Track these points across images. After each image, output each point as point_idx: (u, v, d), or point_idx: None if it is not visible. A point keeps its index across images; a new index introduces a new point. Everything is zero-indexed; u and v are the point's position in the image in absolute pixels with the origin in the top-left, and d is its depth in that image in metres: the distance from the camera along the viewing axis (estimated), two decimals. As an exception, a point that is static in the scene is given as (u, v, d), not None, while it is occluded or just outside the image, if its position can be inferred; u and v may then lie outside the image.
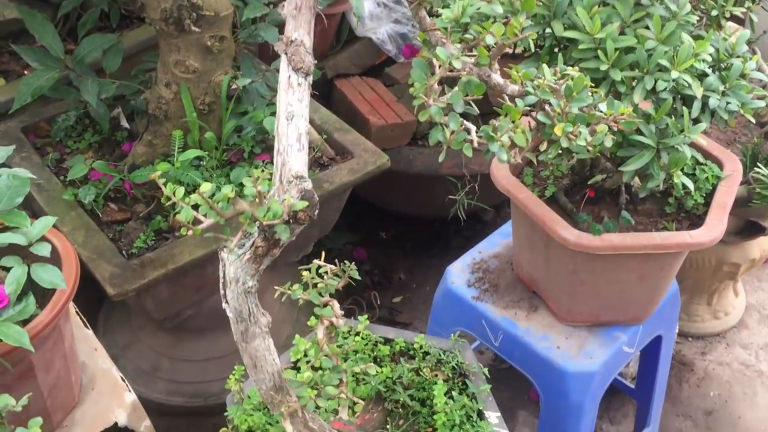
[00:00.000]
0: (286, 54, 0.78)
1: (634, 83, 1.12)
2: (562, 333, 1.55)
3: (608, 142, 0.90)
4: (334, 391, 0.86)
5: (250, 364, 0.86)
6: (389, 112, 2.29)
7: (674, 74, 1.06)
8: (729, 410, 2.21)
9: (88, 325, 1.55)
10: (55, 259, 1.27)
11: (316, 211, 0.75)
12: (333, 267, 1.06)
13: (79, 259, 1.32)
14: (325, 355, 0.89)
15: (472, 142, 0.82)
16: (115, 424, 1.39)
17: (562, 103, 0.88)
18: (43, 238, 1.20)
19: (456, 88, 0.84)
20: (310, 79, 0.80)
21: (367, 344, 1.24)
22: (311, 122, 2.10)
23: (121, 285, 1.61)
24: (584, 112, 0.89)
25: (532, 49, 1.14)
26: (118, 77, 1.92)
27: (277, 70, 2.03)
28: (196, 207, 0.70)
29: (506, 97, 0.92)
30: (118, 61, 1.82)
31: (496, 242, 1.76)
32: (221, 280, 0.81)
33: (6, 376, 1.18)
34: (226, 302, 0.82)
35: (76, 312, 1.56)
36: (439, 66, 0.83)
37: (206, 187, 0.70)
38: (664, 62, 1.07)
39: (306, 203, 0.72)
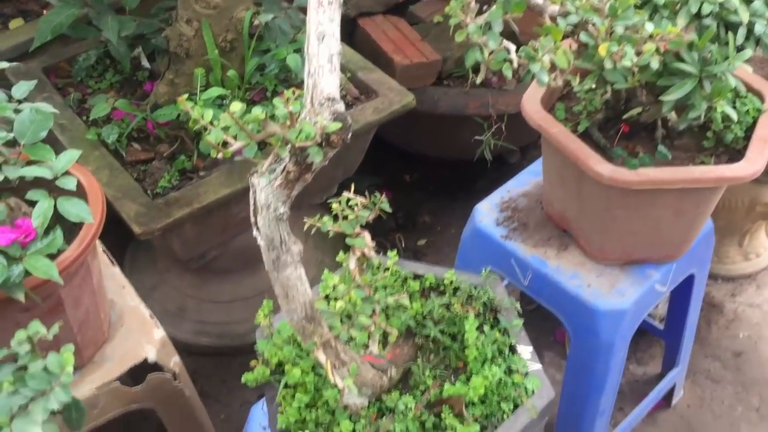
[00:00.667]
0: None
1: (677, 8, 1.07)
2: (593, 271, 1.52)
3: (655, 63, 0.85)
4: (367, 321, 0.85)
5: (281, 293, 0.85)
6: (414, 51, 2.24)
7: (721, -3, 1.01)
8: (759, 352, 2.18)
9: (115, 262, 1.54)
10: (80, 194, 1.25)
11: (350, 134, 0.72)
12: (363, 199, 1.04)
13: (104, 196, 1.31)
14: (358, 286, 0.87)
15: (511, 62, 0.78)
16: (145, 359, 1.40)
17: (606, 22, 0.84)
18: (69, 173, 1.19)
19: (494, 6, 0.80)
20: (341, -2, 0.76)
21: (396, 280, 1.23)
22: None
23: (147, 224, 1.61)
24: (629, 32, 0.84)
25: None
26: (139, 15, 1.88)
27: (300, 8, 1.97)
28: (226, 130, 0.67)
29: (547, 19, 0.87)
30: (137, -2, 1.78)
31: (525, 181, 1.72)
32: (251, 207, 0.78)
33: (35, 310, 1.18)
34: (257, 230, 0.80)
35: (103, 250, 1.56)
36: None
37: (236, 107, 0.67)
38: (710, -16, 1.02)
39: (339, 125, 0.69)
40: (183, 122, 1.79)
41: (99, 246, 1.56)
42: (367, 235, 0.94)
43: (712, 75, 1.09)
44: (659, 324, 2.05)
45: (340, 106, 0.71)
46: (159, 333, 1.44)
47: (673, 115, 1.41)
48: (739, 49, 1.17)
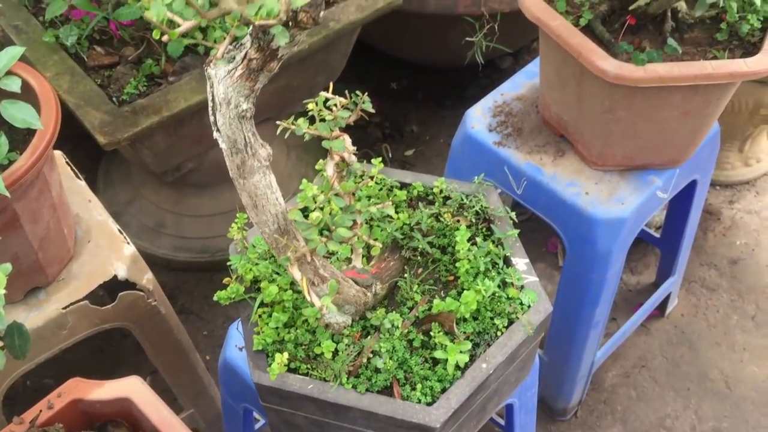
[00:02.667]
0: None
1: None
2: (592, 178, 1.43)
3: None
4: (348, 233, 0.75)
5: (249, 203, 0.75)
6: (400, -57, 2.06)
7: None
8: (756, 258, 2.13)
9: (79, 175, 1.44)
10: (31, 99, 1.13)
11: (321, 12, 0.61)
12: (342, 99, 0.93)
13: (60, 101, 1.19)
14: (336, 194, 0.77)
15: None
16: (114, 277, 1.31)
17: None
18: (12, 73, 1.06)
19: None
20: None
21: (381, 189, 1.13)
22: (313, -46, 1.90)
23: (112, 133, 1.49)
24: None
25: None
26: None
27: None
28: (169, 7, 0.56)
29: None
30: None
31: (520, 83, 1.60)
32: (209, 104, 0.67)
33: (-12, 226, 1.08)
34: (217, 130, 0.69)
35: (66, 162, 1.44)
36: None
37: (180, -28, 0.55)
38: None
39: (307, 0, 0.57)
40: (148, 25, 1.65)
41: (60, 157, 1.45)
42: (347, 138, 0.83)
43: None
44: (655, 232, 1.98)
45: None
46: (129, 249, 1.35)
47: (683, 5, 1.28)
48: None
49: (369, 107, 0.89)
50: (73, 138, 1.72)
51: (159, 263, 2.10)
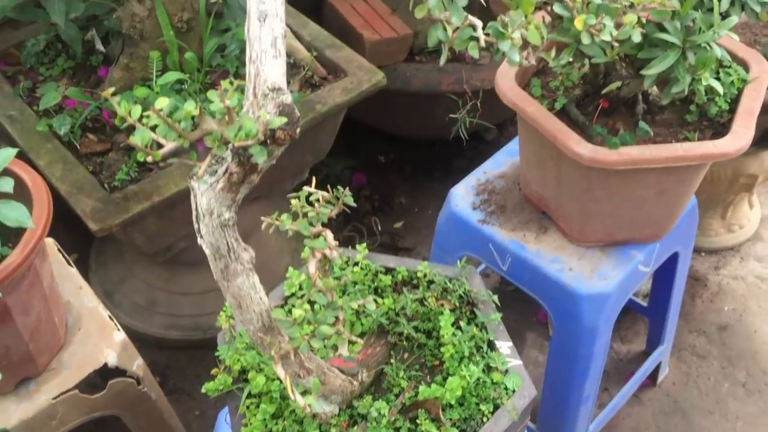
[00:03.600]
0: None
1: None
2: (574, 254, 1.46)
3: (636, 37, 0.78)
4: (330, 330, 0.77)
5: (234, 304, 0.77)
6: (384, 25, 2.14)
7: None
8: (744, 324, 2.14)
9: (71, 262, 1.46)
10: (24, 194, 1.17)
11: (298, 129, 0.64)
12: (325, 194, 0.96)
13: (51, 195, 1.22)
14: (319, 291, 0.80)
15: (478, 40, 0.70)
16: (105, 365, 1.32)
17: (582, -7, 0.76)
18: (7, 173, 1.10)
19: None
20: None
21: (366, 275, 1.15)
22: (300, 39, 1.97)
23: (104, 220, 1.52)
24: (608, 1, 0.76)
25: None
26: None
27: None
28: (153, 129, 0.59)
29: None
30: (85, -23, 1.67)
31: (502, 161, 1.65)
32: (194, 213, 0.70)
33: (-21, 321, 1.10)
34: (201, 237, 0.72)
35: (58, 249, 1.47)
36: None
37: (162, 103, 0.59)
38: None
39: (284, 119, 0.61)
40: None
41: (52, 245, 1.48)
42: (328, 234, 0.86)
43: (696, 45, 1.02)
44: (642, 301, 2.00)
45: (287, 97, 0.63)
46: (119, 335, 1.36)
47: (654, 89, 1.34)
48: (724, 16, 1.10)
49: (350, 201, 0.92)
50: (66, 218, 1.75)
51: (151, 342, 2.10)
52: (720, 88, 1.10)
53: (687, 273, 1.77)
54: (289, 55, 1.91)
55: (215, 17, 1.71)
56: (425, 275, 1.16)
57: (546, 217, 1.52)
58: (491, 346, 1.08)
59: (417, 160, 2.61)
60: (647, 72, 1.06)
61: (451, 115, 2.21)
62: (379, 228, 2.43)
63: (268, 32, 0.64)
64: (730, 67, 1.34)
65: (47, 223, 1.16)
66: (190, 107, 0.59)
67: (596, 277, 1.42)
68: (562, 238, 1.49)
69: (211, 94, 0.60)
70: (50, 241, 1.49)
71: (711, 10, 1.03)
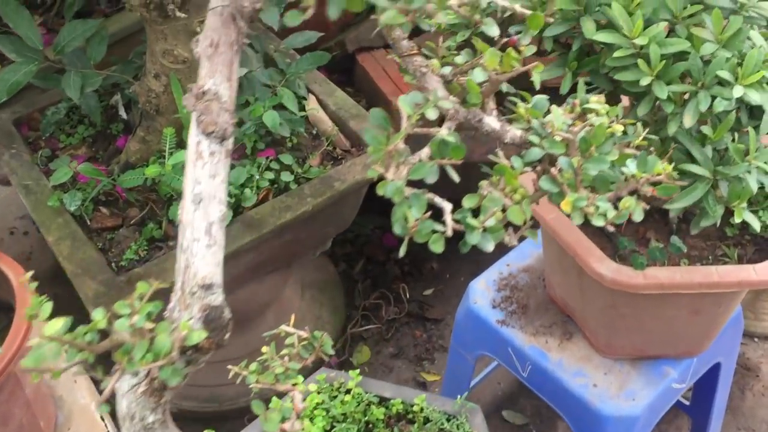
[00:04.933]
0: (194, 111, 0.58)
1: (686, 97, 0.88)
2: (600, 367, 1.33)
3: (638, 215, 0.67)
4: None
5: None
6: (415, 91, 2.05)
7: (738, 90, 0.82)
8: (799, 426, 1.96)
9: (68, 352, 1.40)
10: (7, 288, 1.12)
11: (227, 335, 0.56)
12: (303, 334, 0.88)
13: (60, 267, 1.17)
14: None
15: (444, 232, 0.60)
16: (90, 471, 1.26)
17: (575, 162, 0.65)
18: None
19: (423, 154, 0.62)
20: (229, 144, 0.59)
21: (359, 405, 1.06)
22: (325, 108, 1.89)
23: (105, 305, 1.46)
24: (605, 174, 0.66)
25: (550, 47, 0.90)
26: (114, 62, 1.74)
27: (286, 52, 1.80)
28: (51, 350, 0.51)
29: (502, 158, 0.69)
30: (102, 50, 1.63)
31: (527, 253, 1.53)
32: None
33: (-49, 437, 1.05)
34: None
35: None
36: (407, 117, 0.61)
37: (56, 326, 0.51)
38: (725, 74, 0.82)
39: (203, 335, 0.52)
40: (154, 185, 1.65)
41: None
42: (296, 396, 0.77)
43: (729, 177, 0.90)
44: (684, 400, 1.84)
45: (216, 298, 0.55)
46: (108, 438, 1.30)
47: (690, 197, 1.21)
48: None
49: (328, 349, 0.83)
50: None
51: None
52: (757, 225, 0.97)
53: (731, 381, 1.61)
54: (312, 126, 1.84)
55: (233, 91, 1.65)
56: (422, 410, 1.05)
57: (572, 321, 1.40)
58: (489, 497, 0.98)
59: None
60: (671, 206, 0.94)
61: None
62: (408, 295, 2.34)
63: (202, 217, 0.56)
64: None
65: (28, 330, 1.11)
66: (99, 316, 0.51)
67: (623, 397, 1.29)
68: (589, 347, 1.37)
69: (120, 306, 0.53)
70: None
71: (747, 129, 0.91)
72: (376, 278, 2.37)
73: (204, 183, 0.57)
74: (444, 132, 0.63)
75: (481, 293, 1.47)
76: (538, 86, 0.73)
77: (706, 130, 0.89)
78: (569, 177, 0.65)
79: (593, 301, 1.25)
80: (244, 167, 1.66)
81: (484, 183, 0.68)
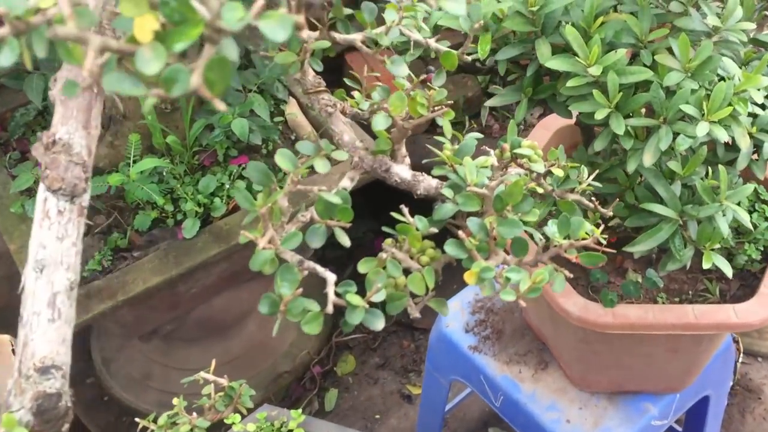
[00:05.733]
0: (42, 164, 0.51)
1: (642, 141, 0.78)
2: (576, 401, 1.25)
3: (559, 286, 0.58)
4: None
5: None
6: (404, 93, 1.97)
7: (702, 127, 0.72)
8: (800, 454, 1.86)
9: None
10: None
11: (66, 426, 0.49)
12: (222, 383, 0.81)
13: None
14: None
15: (323, 309, 0.53)
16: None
17: (489, 222, 0.57)
18: None
19: (304, 212, 0.54)
20: (83, 201, 0.52)
21: (298, 448, 0.99)
22: (306, 113, 1.82)
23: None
24: (521, 238, 0.57)
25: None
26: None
27: (263, 55, 1.74)
28: None
29: (409, 218, 0.61)
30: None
31: (506, 273, 1.45)
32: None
33: None
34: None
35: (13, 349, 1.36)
36: (290, 174, 0.53)
37: None
38: (689, 108, 0.73)
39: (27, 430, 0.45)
40: (120, 193, 1.59)
41: (7, 348, 1.37)
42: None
43: (697, 218, 0.81)
44: (677, 425, 1.75)
45: (54, 383, 0.48)
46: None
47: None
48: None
49: (247, 402, 0.76)
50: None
51: (142, 418, 1.99)
52: (729, 270, 0.87)
53: (722, 413, 1.52)
54: (291, 131, 1.77)
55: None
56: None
57: (548, 349, 1.32)
58: None
59: (445, 227, 2.42)
60: (633, 249, 0.85)
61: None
62: (397, 303, 2.25)
63: (45, 287, 0.49)
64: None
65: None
66: None
67: (597, 435, 1.21)
68: (564, 378, 1.28)
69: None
70: (4, 340, 1.39)
71: (718, 162, 0.81)
72: (362, 288, 2.29)
73: (49, 247, 0.51)
74: (325, 192, 0.55)
75: (454, 316, 1.39)
76: (448, 135, 0.64)
77: (673, 165, 0.79)
78: (480, 240, 0.57)
79: (565, 335, 1.16)
80: (215, 175, 1.59)
81: (388, 242, 0.60)
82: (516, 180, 0.56)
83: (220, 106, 0.33)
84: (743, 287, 1.08)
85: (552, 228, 0.58)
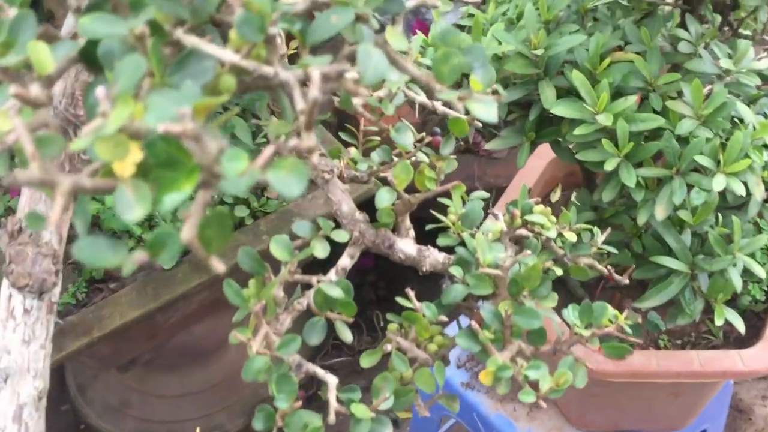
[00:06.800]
0: (6, 256, 0.45)
1: (653, 193, 0.74)
2: (572, 441, 1.21)
3: (581, 381, 0.54)
4: None
5: None
6: (392, 119, 1.92)
7: (719, 181, 0.68)
8: (793, 477, 1.84)
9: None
10: None
11: None
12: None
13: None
14: None
15: (326, 418, 0.47)
16: None
17: (504, 309, 0.52)
18: None
19: (300, 299, 0.48)
20: (53, 296, 0.47)
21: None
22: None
23: (34, 359, 1.34)
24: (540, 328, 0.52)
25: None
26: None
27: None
28: None
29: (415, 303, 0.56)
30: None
31: (498, 304, 1.40)
32: None
33: None
34: None
35: None
36: (283, 264, 0.48)
37: None
38: (704, 159, 0.68)
39: None
40: (96, 220, 1.52)
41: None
42: None
43: (708, 271, 0.77)
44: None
45: None
46: None
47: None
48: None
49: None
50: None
51: (120, 448, 1.93)
52: (741, 326, 0.84)
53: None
54: (273, 152, 1.71)
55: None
56: None
57: (542, 385, 1.27)
58: None
59: (432, 245, 2.37)
60: (642, 305, 0.81)
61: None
62: (382, 324, 2.21)
63: (10, 399, 0.43)
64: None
65: None
66: None
67: (595, 477, 1.17)
68: (560, 415, 1.24)
69: None
70: None
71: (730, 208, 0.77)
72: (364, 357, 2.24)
73: (14, 352, 0.45)
74: (326, 284, 0.50)
75: (446, 350, 1.34)
76: (458, 209, 0.60)
77: (683, 215, 0.75)
78: (494, 331, 0.52)
79: (562, 377, 1.12)
80: (195, 201, 1.53)
81: (392, 328, 0.55)
82: (534, 264, 0.51)
83: (219, 267, 0.28)
84: (747, 328, 1.04)
85: (572, 314, 0.53)
